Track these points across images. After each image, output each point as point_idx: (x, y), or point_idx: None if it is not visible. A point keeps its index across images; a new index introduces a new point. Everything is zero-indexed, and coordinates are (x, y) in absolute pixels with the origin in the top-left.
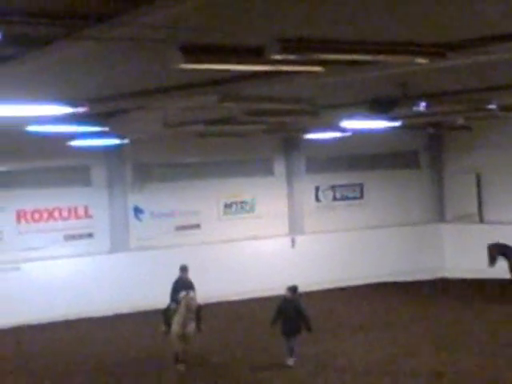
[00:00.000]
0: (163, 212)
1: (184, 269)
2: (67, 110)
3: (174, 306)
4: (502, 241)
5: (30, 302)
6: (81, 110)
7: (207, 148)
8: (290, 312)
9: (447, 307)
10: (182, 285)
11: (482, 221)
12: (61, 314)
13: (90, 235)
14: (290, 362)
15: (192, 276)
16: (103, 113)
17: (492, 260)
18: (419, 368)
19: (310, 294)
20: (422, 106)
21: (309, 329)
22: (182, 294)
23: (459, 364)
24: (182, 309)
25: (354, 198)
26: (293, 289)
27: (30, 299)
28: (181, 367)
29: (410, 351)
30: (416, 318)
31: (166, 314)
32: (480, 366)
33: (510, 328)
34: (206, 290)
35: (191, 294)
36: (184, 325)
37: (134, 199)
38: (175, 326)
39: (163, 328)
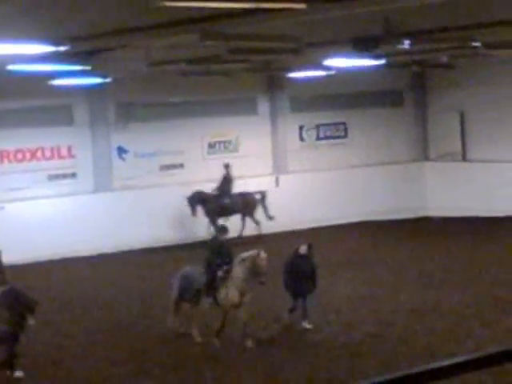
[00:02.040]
0: (147, 152)
1: (224, 230)
2: (49, 48)
3: (221, 273)
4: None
5: (14, 242)
6: (62, 48)
7: (191, 87)
8: (306, 270)
9: (430, 245)
10: (220, 250)
11: (465, 159)
12: (44, 254)
13: (74, 175)
14: (307, 324)
15: (176, 215)
16: (85, 51)
17: (192, 210)
18: (401, 305)
19: (293, 233)
20: (406, 43)
21: (315, 287)
22: (246, 253)
23: (442, 301)
24: (242, 273)
25: (338, 137)
26: (309, 245)
27: (13, 239)
28: (248, 342)
29: (392, 289)
30: (399, 256)
31: (211, 286)
32: (463, 304)
33: (493, 266)
34: (192, 230)
35: (262, 253)
36: (243, 292)
37: (118, 139)
38: (233, 294)
39: (207, 304)
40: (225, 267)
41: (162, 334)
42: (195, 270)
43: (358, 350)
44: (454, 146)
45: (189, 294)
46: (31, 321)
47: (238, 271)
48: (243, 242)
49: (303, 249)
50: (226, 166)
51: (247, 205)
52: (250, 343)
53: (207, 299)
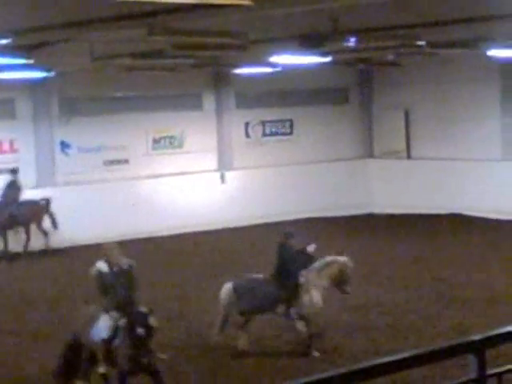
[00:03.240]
0: (90, 147)
1: (289, 235)
2: None
3: (303, 279)
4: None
5: None
6: (4, 41)
7: (136, 82)
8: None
9: (375, 242)
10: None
11: (409, 157)
12: None
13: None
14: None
15: (120, 212)
16: (28, 45)
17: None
18: (345, 302)
19: (239, 229)
20: (352, 41)
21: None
22: (329, 258)
23: (385, 298)
24: (327, 279)
25: (284, 134)
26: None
27: None
28: (315, 353)
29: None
30: (344, 253)
31: (294, 290)
32: (406, 300)
33: (436, 262)
34: (135, 226)
35: (343, 258)
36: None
37: (61, 133)
38: (317, 299)
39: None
40: (302, 272)
41: None
42: (253, 280)
43: (302, 348)
44: (398, 143)
45: (258, 305)
46: None
47: (322, 276)
48: (29, 254)
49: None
50: (13, 171)
51: (34, 214)
52: (316, 353)
53: (281, 308)
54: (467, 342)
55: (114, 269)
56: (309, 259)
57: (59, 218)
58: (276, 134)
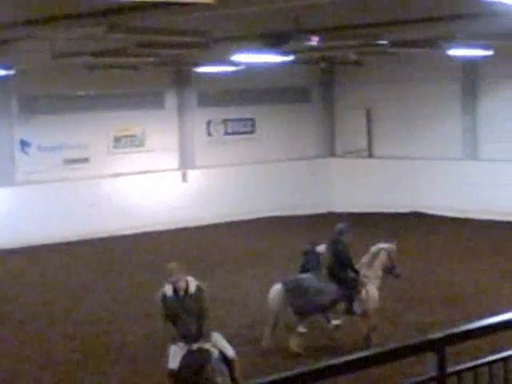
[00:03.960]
0: (51, 145)
1: (342, 231)
2: None
3: (352, 274)
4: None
5: None
6: None
7: (97, 80)
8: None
9: None
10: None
11: (370, 155)
12: None
13: None
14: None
15: (81, 211)
16: None
17: None
18: None
19: (201, 229)
20: (315, 40)
21: None
22: (373, 248)
23: None
24: (380, 269)
25: (246, 133)
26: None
27: None
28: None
29: None
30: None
31: (355, 286)
32: None
33: (397, 261)
34: (96, 225)
35: (386, 244)
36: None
37: (21, 132)
38: (373, 293)
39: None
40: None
41: (64, 330)
42: (303, 279)
43: (261, 346)
44: (360, 142)
45: (318, 304)
46: None
47: (376, 268)
48: None
49: (322, 247)
50: None
51: None
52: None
53: (341, 306)
54: (427, 340)
55: (180, 293)
56: (318, 259)
57: (19, 218)
58: (238, 132)
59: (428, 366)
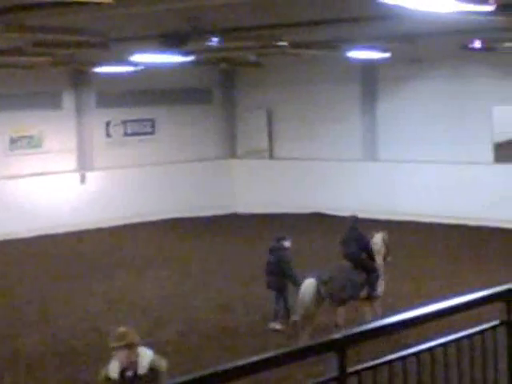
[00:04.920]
0: None
1: (356, 220)
2: None
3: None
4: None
5: None
6: None
7: None
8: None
9: (238, 242)
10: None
11: (271, 156)
12: None
13: None
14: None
15: None
16: None
17: None
18: (210, 301)
19: (99, 231)
20: (214, 41)
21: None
22: (376, 238)
23: (249, 297)
24: (381, 256)
25: (146, 134)
26: (278, 238)
27: None
28: None
29: (201, 285)
30: (207, 252)
31: (377, 272)
32: (270, 299)
33: (301, 261)
34: None
35: (379, 233)
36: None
37: None
38: (382, 280)
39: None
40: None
41: None
42: (336, 269)
43: (165, 349)
44: (261, 143)
45: (350, 293)
46: None
47: (380, 254)
48: None
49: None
50: None
51: None
52: None
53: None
54: (328, 340)
55: (128, 373)
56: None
57: None
58: (138, 133)
59: (330, 366)
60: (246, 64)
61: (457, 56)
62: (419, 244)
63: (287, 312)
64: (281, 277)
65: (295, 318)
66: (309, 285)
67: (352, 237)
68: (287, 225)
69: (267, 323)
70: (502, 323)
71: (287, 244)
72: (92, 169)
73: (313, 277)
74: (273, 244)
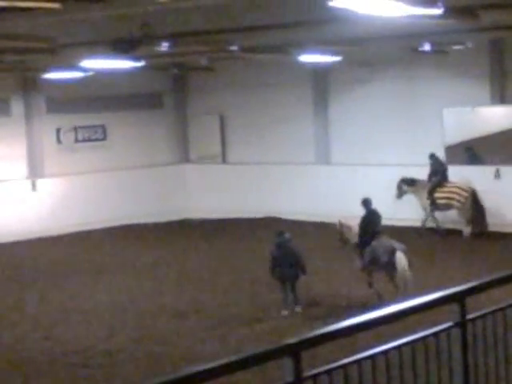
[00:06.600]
0: None
1: (369, 201)
2: None
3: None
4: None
5: None
6: None
7: None
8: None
9: (191, 248)
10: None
11: (224, 161)
12: None
13: None
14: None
15: None
16: None
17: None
18: (163, 308)
19: (51, 239)
20: (165, 46)
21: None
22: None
23: (204, 303)
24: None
25: (97, 140)
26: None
27: None
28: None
29: (154, 292)
30: (161, 258)
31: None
32: (224, 304)
33: (253, 265)
34: None
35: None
36: None
37: None
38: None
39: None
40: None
41: None
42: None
43: (118, 357)
44: (213, 148)
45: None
46: None
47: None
48: None
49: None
50: None
51: None
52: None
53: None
54: (283, 345)
55: None
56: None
57: None
58: (89, 139)
59: (285, 370)
60: (198, 69)
61: (407, 59)
62: None
63: (296, 300)
64: (294, 267)
65: (298, 309)
66: (402, 256)
67: (377, 215)
68: (240, 230)
69: (222, 327)
70: (456, 324)
71: (288, 236)
72: (43, 176)
73: (398, 249)
74: (278, 240)
